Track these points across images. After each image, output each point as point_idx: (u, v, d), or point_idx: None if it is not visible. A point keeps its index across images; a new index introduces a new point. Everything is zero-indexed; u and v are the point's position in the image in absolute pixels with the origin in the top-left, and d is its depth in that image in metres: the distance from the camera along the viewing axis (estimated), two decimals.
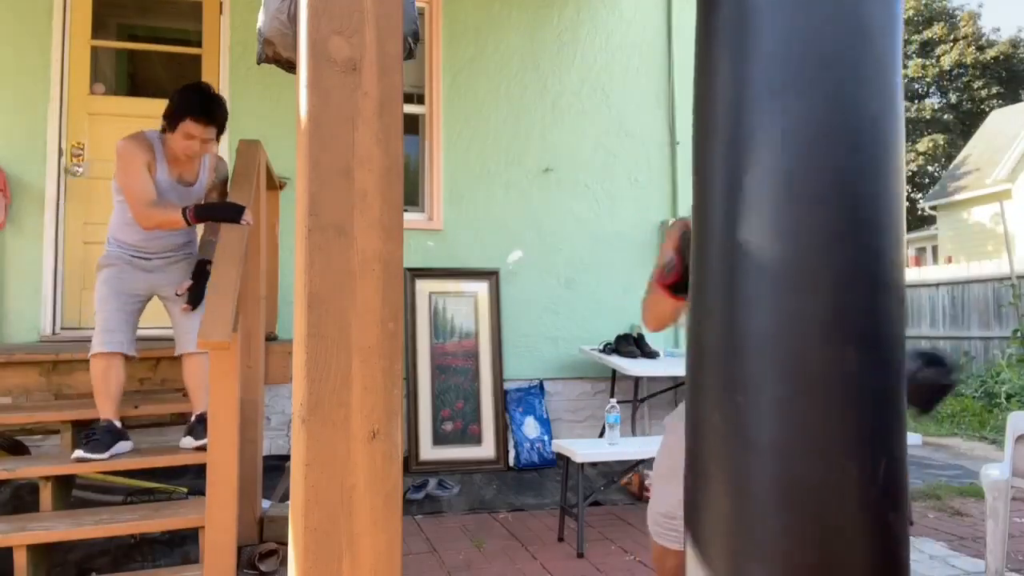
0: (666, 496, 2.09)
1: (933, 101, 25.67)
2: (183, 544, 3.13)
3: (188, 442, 2.93)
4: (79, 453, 2.76)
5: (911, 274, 11.03)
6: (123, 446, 2.88)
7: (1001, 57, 24.62)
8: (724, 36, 1.23)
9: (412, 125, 5.20)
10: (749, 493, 1.08)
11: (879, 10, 1.13)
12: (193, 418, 2.96)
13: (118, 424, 2.89)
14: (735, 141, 1.17)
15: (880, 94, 1.12)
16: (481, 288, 4.98)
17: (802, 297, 1.08)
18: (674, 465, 2.07)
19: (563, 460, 3.64)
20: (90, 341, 2.94)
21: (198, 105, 2.90)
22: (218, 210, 2.94)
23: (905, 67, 24.89)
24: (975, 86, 24.85)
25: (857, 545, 1.06)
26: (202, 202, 3.10)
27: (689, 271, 1.57)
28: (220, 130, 3.02)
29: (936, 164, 24.54)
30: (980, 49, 24.88)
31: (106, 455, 2.78)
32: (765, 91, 1.13)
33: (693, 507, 1.18)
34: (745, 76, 1.16)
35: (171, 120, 2.90)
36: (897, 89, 1.15)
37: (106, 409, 2.87)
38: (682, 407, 2.11)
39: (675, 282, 1.82)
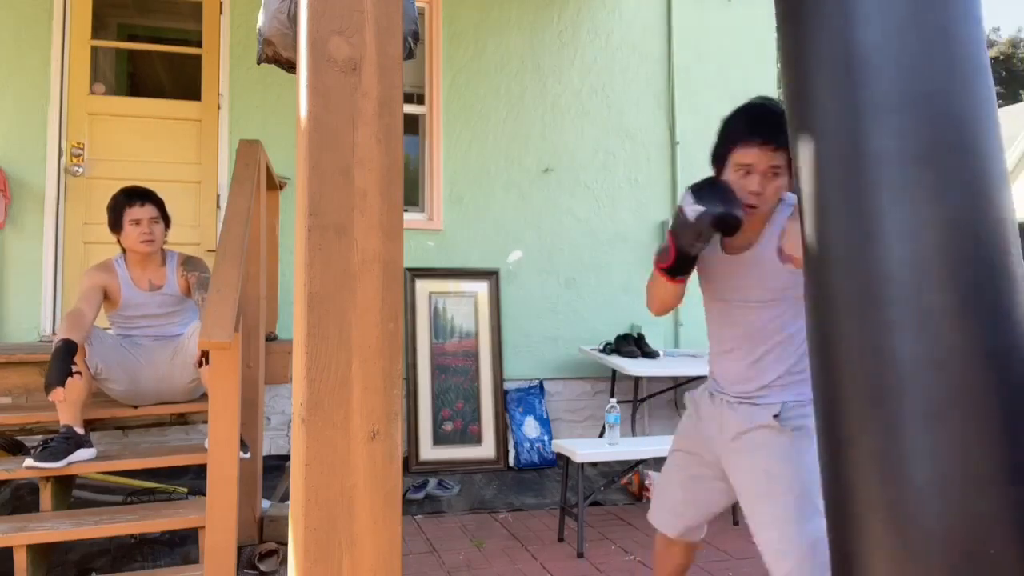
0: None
1: None
2: (183, 544, 3.13)
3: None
4: (28, 462, 2.70)
5: None
6: (82, 454, 2.80)
7: (1001, 57, 24.61)
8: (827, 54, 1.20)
9: (412, 125, 5.20)
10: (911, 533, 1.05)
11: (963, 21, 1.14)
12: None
13: (79, 430, 2.82)
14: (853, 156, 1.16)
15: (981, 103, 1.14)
16: (481, 288, 4.98)
17: (952, 316, 1.06)
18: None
19: (563, 460, 3.64)
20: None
21: (125, 194, 3.12)
22: (51, 369, 2.77)
23: None
24: None
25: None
26: (180, 299, 3.21)
27: (695, 262, 1.52)
28: (160, 209, 3.17)
29: None
30: None
31: (60, 463, 2.71)
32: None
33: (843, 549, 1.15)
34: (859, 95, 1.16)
35: (115, 221, 3.10)
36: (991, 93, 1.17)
37: (65, 415, 2.81)
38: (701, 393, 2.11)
39: (671, 265, 1.81)
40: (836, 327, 1.16)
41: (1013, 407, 1.06)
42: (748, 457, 1.86)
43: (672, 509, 2.09)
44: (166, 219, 3.21)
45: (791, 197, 1.84)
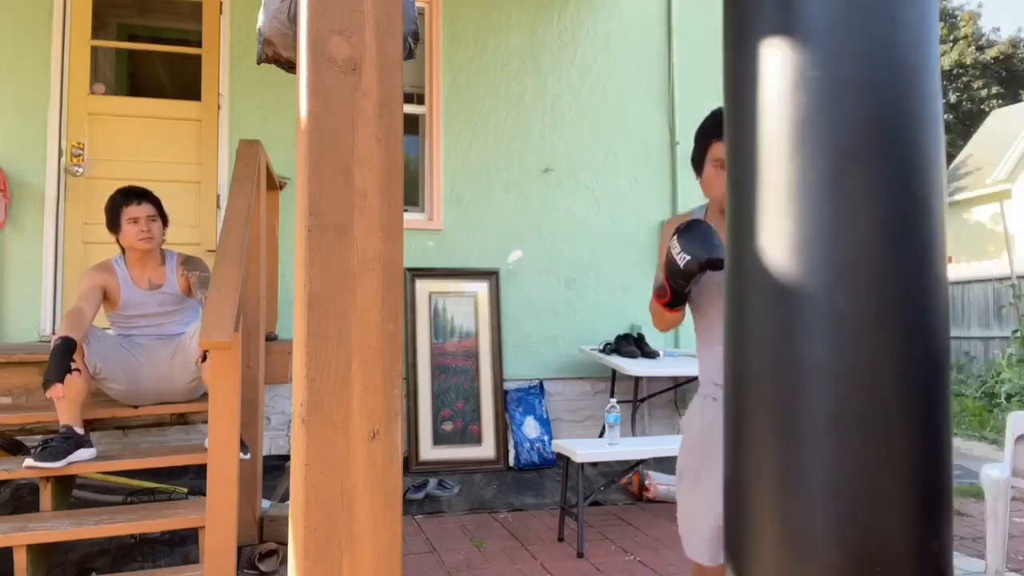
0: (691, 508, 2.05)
1: None
2: (183, 544, 3.13)
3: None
4: (28, 462, 2.70)
5: None
6: (82, 454, 2.80)
7: (1001, 57, 24.61)
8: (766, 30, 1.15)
9: (412, 125, 5.20)
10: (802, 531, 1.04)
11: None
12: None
13: (79, 430, 2.83)
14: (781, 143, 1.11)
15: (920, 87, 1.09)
16: (481, 288, 4.98)
17: (858, 305, 1.04)
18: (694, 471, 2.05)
19: (563, 460, 3.64)
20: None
21: (122, 194, 3.14)
22: (50, 366, 2.77)
23: None
24: (975, 86, 24.85)
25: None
26: (181, 298, 3.22)
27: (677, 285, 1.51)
28: (158, 208, 3.19)
29: None
30: (980, 49, 24.88)
31: (60, 463, 2.72)
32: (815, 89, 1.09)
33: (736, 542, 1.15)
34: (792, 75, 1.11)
35: (113, 221, 3.12)
36: (936, 86, 1.12)
37: (64, 415, 2.82)
38: (692, 408, 2.11)
39: (668, 302, 1.95)
40: (747, 326, 1.15)
41: (915, 424, 1.05)
42: None
43: (712, 538, 2.03)
44: (164, 218, 3.22)
45: None
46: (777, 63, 1.12)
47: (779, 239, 1.09)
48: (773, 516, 1.09)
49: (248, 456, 2.89)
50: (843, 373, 1.04)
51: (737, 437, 1.17)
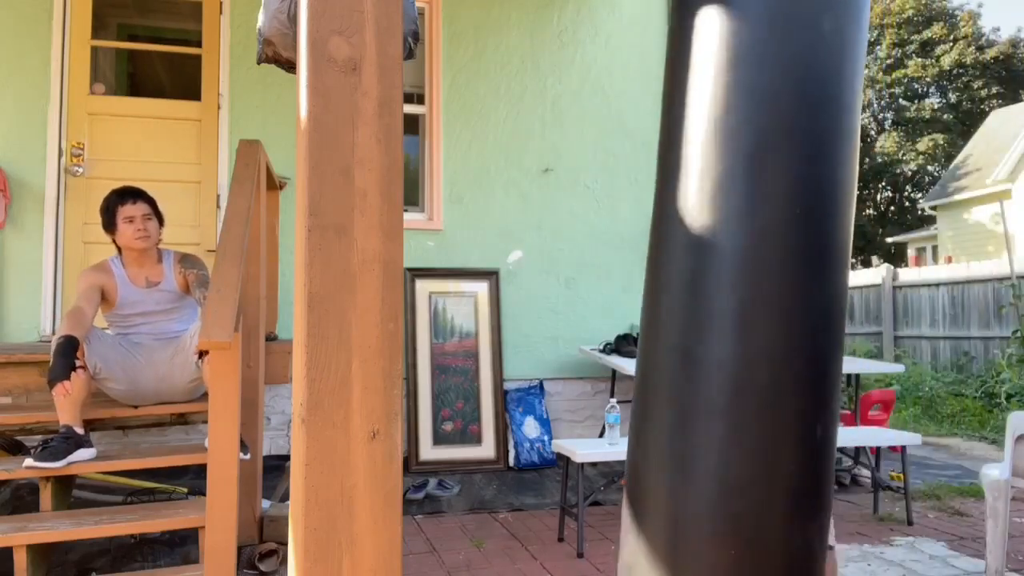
0: None
1: (933, 101, 25.65)
2: (183, 544, 3.13)
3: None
4: (29, 462, 2.70)
5: (911, 274, 11.03)
6: (82, 453, 2.80)
7: (1001, 57, 24.60)
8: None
9: (412, 125, 5.20)
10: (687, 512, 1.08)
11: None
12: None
13: (79, 430, 2.83)
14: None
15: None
16: (481, 288, 4.98)
17: (756, 284, 1.07)
18: None
19: (563, 460, 3.64)
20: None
21: (119, 193, 3.15)
22: (54, 365, 2.77)
23: (905, 67, 24.88)
24: (975, 86, 24.84)
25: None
26: (179, 296, 3.23)
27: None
28: (153, 207, 3.20)
29: (936, 164, 24.53)
30: (980, 49, 24.86)
31: (60, 463, 2.72)
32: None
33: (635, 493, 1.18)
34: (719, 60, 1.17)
35: (109, 221, 3.14)
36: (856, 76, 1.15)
37: (64, 415, 2.82)
38: None
39: None
40: (656, 311, 1.19)
41: (796, 417, 1.07)
42: None
43: None
44: (159, 217, 3.22)
45: None
46: (707, 61, 1.16)
47: (693, 225, 1.13)
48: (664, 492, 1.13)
49: (248, 456, 2.89)
50: (735, 362, 1.07)
51: (635, 419, 1.23)
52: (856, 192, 1.12)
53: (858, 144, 1.16)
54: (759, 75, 1.11)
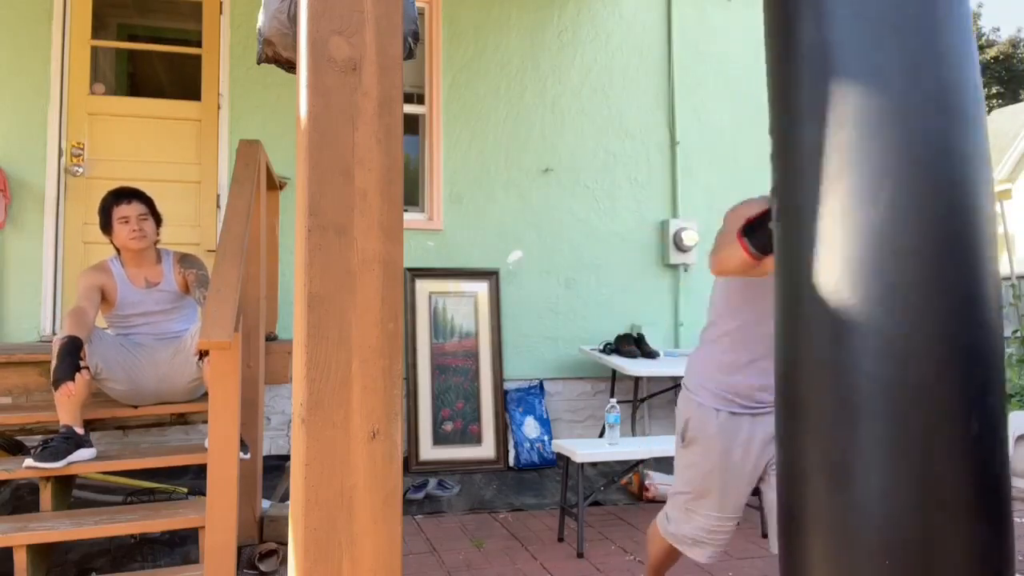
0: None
1: None
2: (183, 544, 3.13)
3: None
4: (29, 462, 2.70)
5: None
6: (82, 454, 2.80)
7: (1001, 57, 24.59)
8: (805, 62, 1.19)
9: (412, 125, 5.20)
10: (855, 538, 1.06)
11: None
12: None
13: (79, 430, 2.83)
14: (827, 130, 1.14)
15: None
16: (481, 288, 4.98)
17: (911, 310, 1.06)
18: (706, 485, 2.05)
19: (563, 460, 3.64)
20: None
21: (114, 193, 3.15)
22: (58, 365, 2.76)
23: None
24: None
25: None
26: (178, 296, 3.23)
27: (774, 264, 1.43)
28: (149, 206, 3.19)
29: None
30: (980, 49, 24.86)
31: (60, 463, 2.72)
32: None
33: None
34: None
35: (105, 222, 3.13)
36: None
37: (65, 415, 2.82)
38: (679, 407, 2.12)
39: (751, 222, 1.70)
40: (800, 339, 1.17)
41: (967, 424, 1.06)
42: None
43: (721, 542, 2.09)
44: (156, 216, 3.21)
45: None
46: (820, 87, 1.14)
47: (832, 255, 1.11)
48: (825, 509, 1.10)
49: (248, 456, 2.89)
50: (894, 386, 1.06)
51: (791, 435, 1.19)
52: (992, 183, 1.13)
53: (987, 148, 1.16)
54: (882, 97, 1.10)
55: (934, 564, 1.02)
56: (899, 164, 1.08)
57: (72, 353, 2.73)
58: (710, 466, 2.03)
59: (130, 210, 3.11)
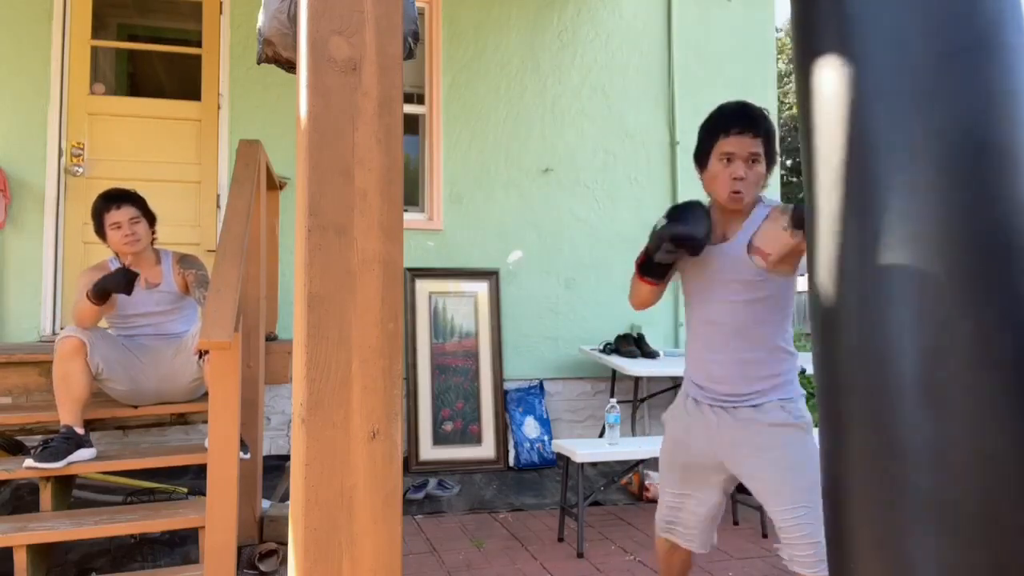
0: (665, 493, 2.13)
1: None
2: (183, 544, 3.13)
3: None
4: (29, 462, 2.70)
5: None
6: (82, 454, 2.81)
7: None
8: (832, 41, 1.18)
9: (412, 125, 5.20)
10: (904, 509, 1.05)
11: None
12: None
13: (79, 430, 2.83)
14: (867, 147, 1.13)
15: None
16: (481, 288, 4.98)
17: (953, 311, 1.05)
18: (669, 460, 2.10)
19: (563, 460, 3.64)
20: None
21: (103, 199, 3.14)
22: (114, 278, 2.93)
23: None
24: None
25: None
26: (178, 297, 3.25)
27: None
28: (141, 208, 3.17)
29: None
30: None
31: (60, 464, 2.72)
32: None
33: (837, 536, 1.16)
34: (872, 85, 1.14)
35: (99, 227, 3.14)
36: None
37: (65, 415, 2.82)
38: (673, 406, 2.15)
39: (640, 262, 2.02)
40: (839, 351, 1.17)
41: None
42: (769, 453, 1.91)
43: (705, 529, 2.10)
44: (149, 216, 3.20)
45: (770, 199, 2.02)
46: (845, 78, 1.14)
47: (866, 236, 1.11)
48: (872, 530, 1.10)
49: (248, 456, 2.89)
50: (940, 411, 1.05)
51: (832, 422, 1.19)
52: None
53: None
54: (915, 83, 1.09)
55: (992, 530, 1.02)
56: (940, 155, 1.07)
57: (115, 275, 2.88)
58: (671, 444, 2.12)
59: (121, 215, 3.09)
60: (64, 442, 2.76)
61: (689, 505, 2.07)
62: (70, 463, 2.75)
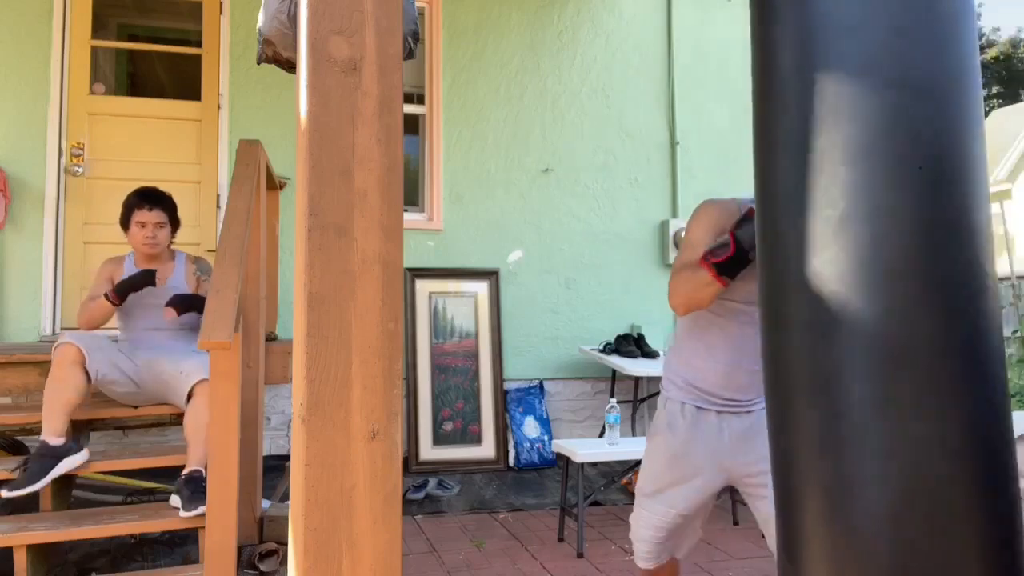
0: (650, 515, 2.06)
1: None
2: (183, 544, 3.13)
3: (175, 502, 2.67)
4: (5, 493, 2.61)
5: None
6: (65, 465, 2.70)
7: (1001, 57, 24.60)
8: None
9: (412, 125, 5.20)
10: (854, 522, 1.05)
11: None
12: (183, 475, 2.72)
13: (58, 442, 2.71)
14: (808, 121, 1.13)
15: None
16: (481, 288, 4.98)
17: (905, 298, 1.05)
18: (669, 480, 2.04)
19: (563, 460, 3.64)
20: None
21: (138, 195, 3.16)
22: (134, 279, 3.01)
23: None
24: None
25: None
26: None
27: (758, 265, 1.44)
28: (170, 214, 3.20)
29: None
30: (980, 49, 24.86)
31: (40, 484, 2.64)
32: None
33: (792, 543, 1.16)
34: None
35: (125, 219, 3.16)
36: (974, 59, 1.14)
37: (48, 425, 2.71)
38: (658, 418, 2.10)
39: (725, 260, 1.76)
40: (787, 340, 1.17)
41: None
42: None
43: (693, 532, 2.07)
44: (175, 223, 3.25)
45: None
46: (800, 64, 1.14)
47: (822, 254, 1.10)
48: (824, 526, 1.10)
49: (193, 513, 2.66)
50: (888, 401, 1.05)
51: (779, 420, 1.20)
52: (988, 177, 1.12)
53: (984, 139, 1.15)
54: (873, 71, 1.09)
55: (935, 561, 1.02)
56: (886, 157, 1.07)
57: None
58: (666, 463, 2.03)
59: (149, 216, 3.13)
60: (40, 461, 2.67)
61: (680, 521, 2.01)
62: (53, 479, 2.68)
